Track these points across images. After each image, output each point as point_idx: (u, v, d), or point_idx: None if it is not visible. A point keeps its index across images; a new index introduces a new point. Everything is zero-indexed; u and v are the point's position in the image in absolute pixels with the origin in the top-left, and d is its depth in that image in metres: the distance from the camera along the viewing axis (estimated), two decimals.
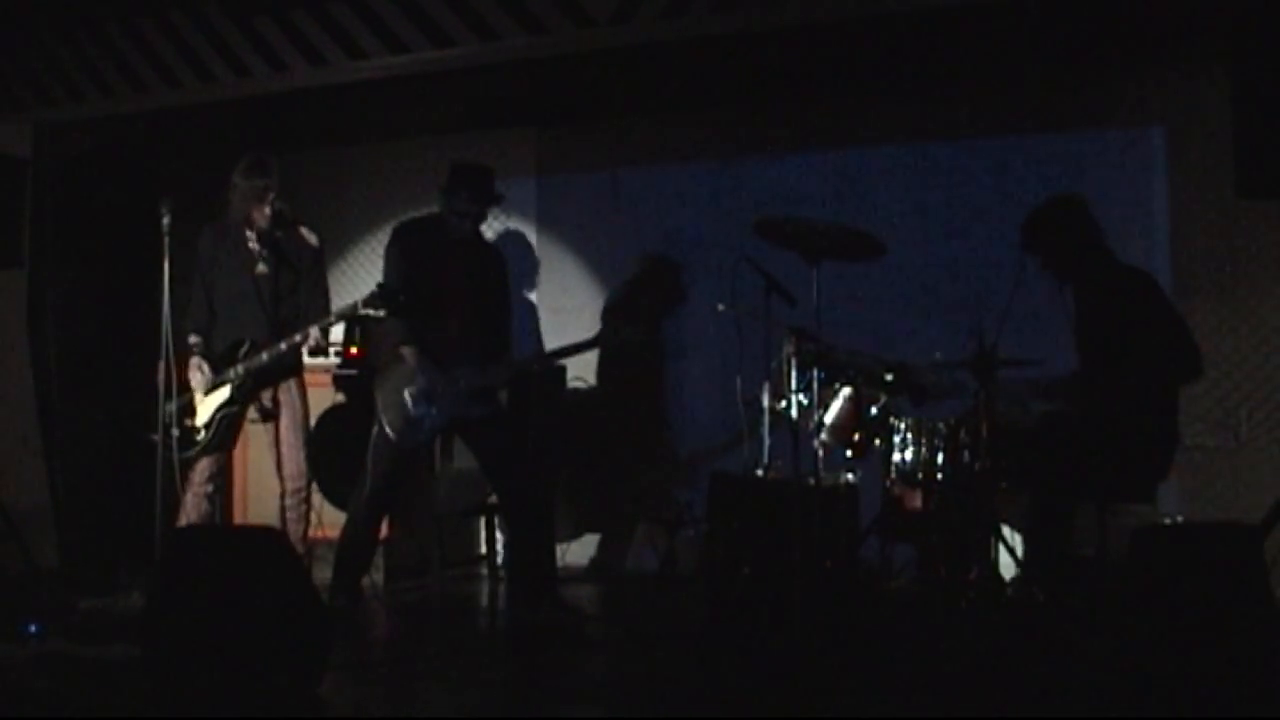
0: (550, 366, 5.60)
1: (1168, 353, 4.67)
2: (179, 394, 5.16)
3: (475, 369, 5.13)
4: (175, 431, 5.15)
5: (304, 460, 5.38)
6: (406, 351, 5.12)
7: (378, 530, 5.38)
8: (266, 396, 5.28)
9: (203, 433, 5.25)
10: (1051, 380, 4.96)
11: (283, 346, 5.13)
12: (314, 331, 5.10)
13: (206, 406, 5.25)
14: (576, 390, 6.67)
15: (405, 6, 5.55)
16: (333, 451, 6.00)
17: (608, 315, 6.68)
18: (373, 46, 5.64)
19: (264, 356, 5.15)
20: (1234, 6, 5.05)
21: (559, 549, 5.66)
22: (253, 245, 5.29)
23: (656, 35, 5.32)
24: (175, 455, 5.07)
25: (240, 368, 5.19)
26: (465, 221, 5.24)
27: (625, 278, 6.77)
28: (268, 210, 5.26)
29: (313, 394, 6.09)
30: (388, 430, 5.10)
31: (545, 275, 6.97)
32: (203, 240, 5.37)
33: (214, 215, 5.45)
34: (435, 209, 5.38)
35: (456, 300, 5.20)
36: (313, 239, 5.40)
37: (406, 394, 5.09)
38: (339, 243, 7.28)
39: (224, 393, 5.23)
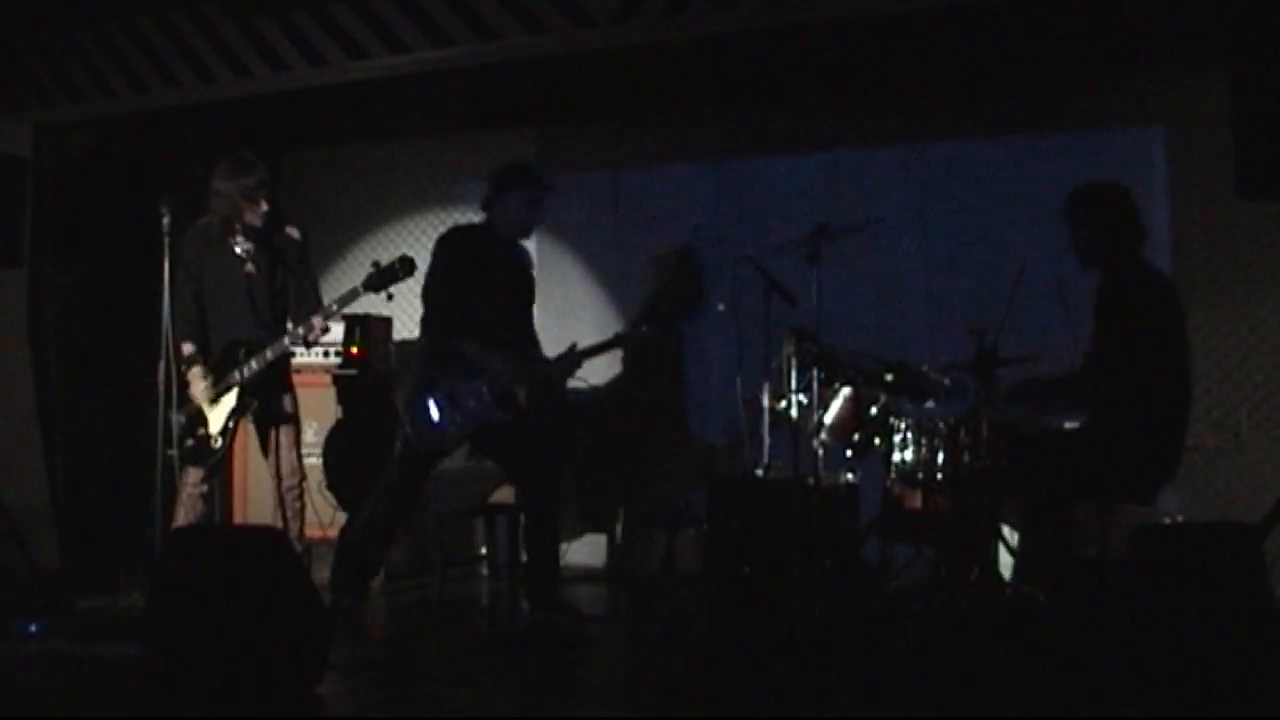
0: (576, 368, 5.58)
1: (1164, 370, 4.65)
2: (183, 405, 5.15)
3: (503, 374, 5.10)
4: (189, 442, 5.16)
5: (297, 458, 5.39)
6: (469, 348, 5.07)
7: (394, 533, 5.37)
8: (285, 400, 5.30)
9: (219, 441, 5.21)
10: (1038, 385, 4.94)
11: (286, 342, 5.11)
12: (318, 322, 5.07)
13: (218, 415, 5.21)
14: (576, 390, 6.67)
15: (405, 6, 5.55)
16: (349, 460, 6.04)
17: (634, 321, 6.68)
18: (373, 46, 5.64)
19: (269, 355, 5.12)
20: (1234, 6, 5.05)
21: (560, 549, 5.66)
22: (239, 248, 5.27)
23: (656, 35, 5.32)
24: (202, 463, 5.12)
25: (245, 370, 5.17)
26: (534, 212, 5.24)
27: (640, 276, 6.76)
28: (264, 208, 5.24)
29: (314, 394, 6.11)
30: (412, 436, 5.10)
31: (545, 275, 6.96)
32: (188, 243, 5.26)
33: (200, 216, 5.38)
34: (440, 211, 5.38)
35: (498, 306, 5.20)
36: (296, 234, 5.38)
37: (431, 401, 5.08)
38: (339, 243, 7.28)
39: (232, 398, 5.20)
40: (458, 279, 5.15)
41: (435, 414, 5.07)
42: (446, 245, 5.26)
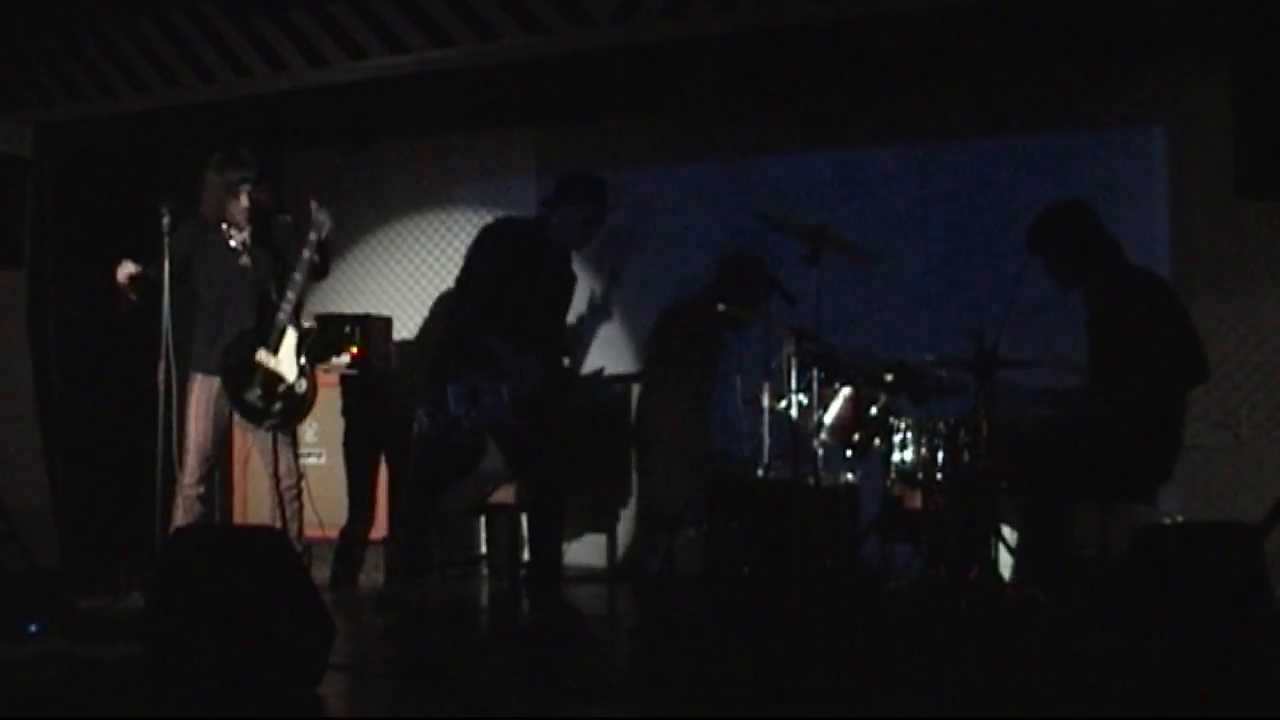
0: (599, 390, 5.58)
1: (1175, 358, 4.67)
2: (250, 379, 5.15)
3: (525, 381, 5.09)
4: (277, 406, 5.16)
5: (294, 459, 5.40)
6: (493, 342, 5.06)
7: (430, 520, 5.38)
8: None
9: (303, 383, 5.19)
10: (1064, 391, 4.97)
11: (306, 255, 5.12)
12: (320, 217, 5.09)
13: (287, 361, 5.20)
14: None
15: (405, 6, 5.55)
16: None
17: (650, 347, 6.67)
18: (373, 46, 5.64)
19: (297, 277, 5.14)
20: (1234, 6, 5.05)
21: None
22: (233, 241, 5.29)
23: (656, 35, 5.32)
24: (298, 418, 5.24)
25: (287, 305, 5.15)
26: (589, 230, 5.22)
27: (663, 310, 6.70)
28: (244, 203, 5.25)
29: (324, 394, 6.10)
30: (426, 422, 5.11)
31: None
32: (183, 230, 5.24)
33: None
34: (440, 211, 5.38)
35: (532, 309, 5.18)
36: (287, 218, 5.40)
37: (450, 390, 5.07)
38: (339, 243, 7.26)
39: (290, 335, 5.19)
40: (495, 274, 5.12)
41: (452, 403, 5.07)
42: (491, 237, 5.23)
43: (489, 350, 5.06)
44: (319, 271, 5.30)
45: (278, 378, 5.19)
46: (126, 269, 5.21)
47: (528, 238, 5.23)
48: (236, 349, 5.23)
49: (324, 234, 5.16)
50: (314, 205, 5.15)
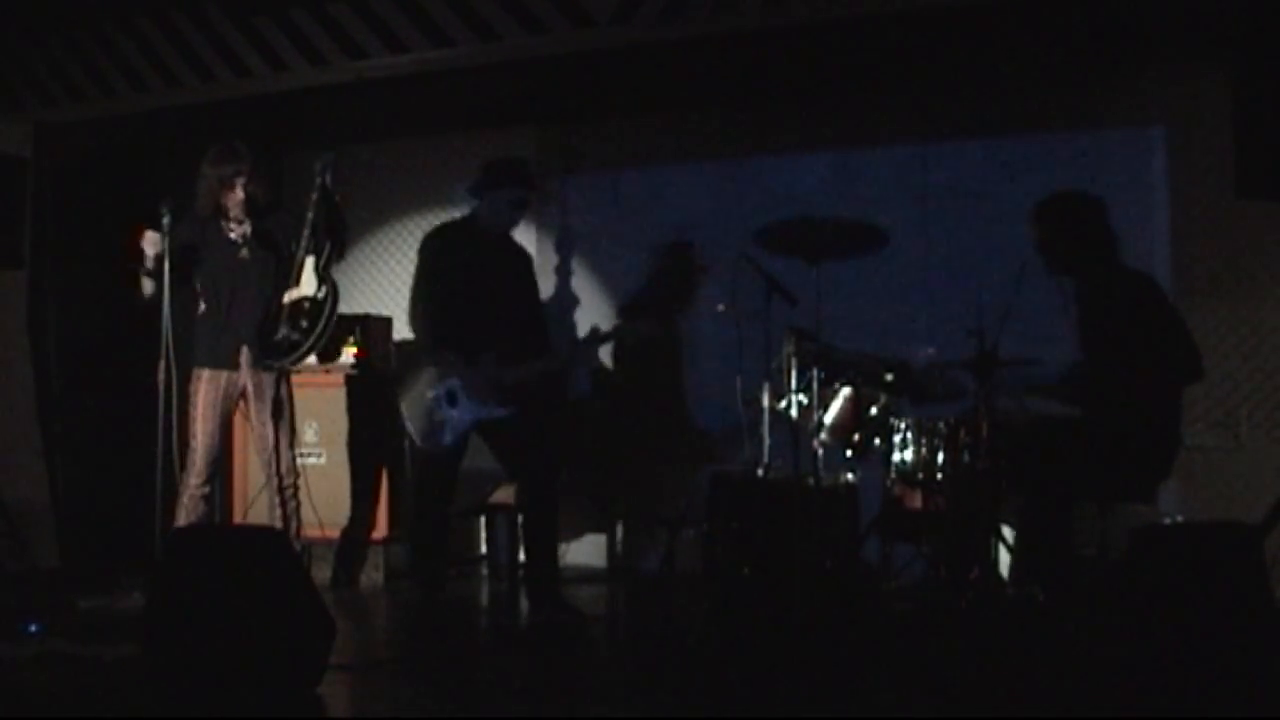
0: (582, 364, 5.60)
1: (1169, 355, 4.68)
2: (280, 325, 5.13)
3: (504, 368, 5.13)
4: (303, 323, 5.13)
5: (294, 458, 5.40)
6: (441, 353, 5.12)
7: (440, 528, 5.38)
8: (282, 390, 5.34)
9: (322, 289, 5.15)
10: (1052, 382, 4.97)
11: (318, 181, 5.12)
12: (315, 197, 5.09)
13: (308, 281, 5.17)
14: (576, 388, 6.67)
15: (405, 6, 5.55)
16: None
17: (623, 312, 6.68)
18: (373, 46, 5.65)
19: (310, 216, 5.13)
20: (1234, 6, 5.05)
21: (560, 549, 5.67)
22: (233, 234, 5.30)
23: (656, 35, 5.32)
24: (326, 332, 5.16)
25: (301, 239, 5.15)
26: (517, 213, 5.30)
27: (638, 272, 6.74)
28: (239, 196, 5.25)
29: (320, 394, 6.12)
30: (415, 436, 5.13)
31: (544, 275, 6.96)
32: (183, 226, 5.19)
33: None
34: (440, 211, 5.41)
35: (490, 300, 5.21)
36: (287, 215, 5.40)
37: (430, 398, 5.10)
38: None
39: (309, 261, 5.16)
40: (442, 281, 5.17)
41: (437, 411, 5.09)
42: (429, 247, 5.31)
43: (444, 361, 5.11)
44: (333, 229, 5.23)
45: (301, 302, 5.17)
46: (152, 244, 5.08)
47: (464, 234, 5.30)
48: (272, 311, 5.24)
49: (327, 179, 5.12)
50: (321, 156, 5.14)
